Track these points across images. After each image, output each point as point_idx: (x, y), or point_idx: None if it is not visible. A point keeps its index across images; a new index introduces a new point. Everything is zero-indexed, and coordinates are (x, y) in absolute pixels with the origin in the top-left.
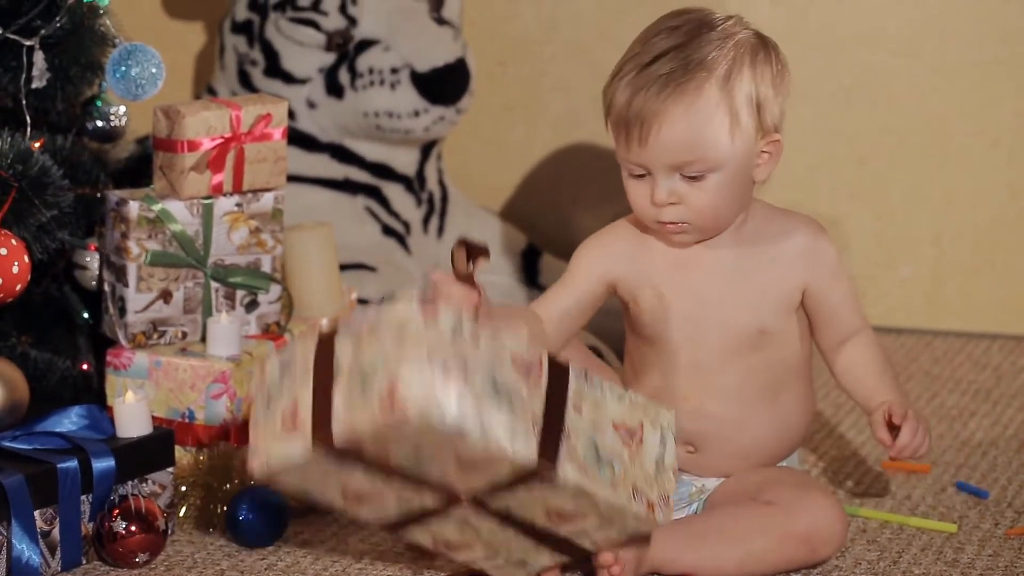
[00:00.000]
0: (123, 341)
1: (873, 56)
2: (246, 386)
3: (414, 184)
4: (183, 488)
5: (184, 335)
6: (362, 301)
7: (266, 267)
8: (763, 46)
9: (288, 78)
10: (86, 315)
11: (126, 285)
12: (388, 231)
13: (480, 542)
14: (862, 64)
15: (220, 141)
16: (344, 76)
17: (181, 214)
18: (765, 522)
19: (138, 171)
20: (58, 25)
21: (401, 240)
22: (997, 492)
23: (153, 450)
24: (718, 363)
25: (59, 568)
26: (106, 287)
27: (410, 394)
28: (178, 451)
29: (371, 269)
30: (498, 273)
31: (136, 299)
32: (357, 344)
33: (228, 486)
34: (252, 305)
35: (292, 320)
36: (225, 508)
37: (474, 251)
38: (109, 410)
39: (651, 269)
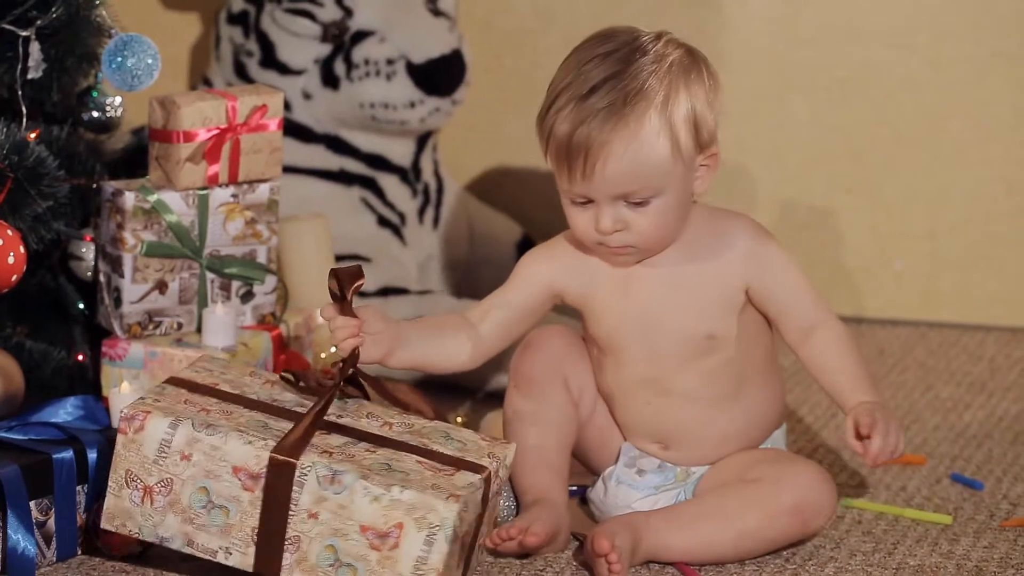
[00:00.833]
0: (119, 332)
1: (868, 50)
2: None
3: (409, 175)
4: None
5: (180, 326)
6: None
7: (261, 258)
8: (694, 64)
9: (284, 69)
10: (82, 306)
11: (122, 276)
12: (383, 222)
13: None
14: (857, 58)
15: (216, 132)
16: (340, 67)
17: (177, 205)
18: (754, 499)
19: (134, 162)
20: (54, 15)
21: (396, 231)
22: (992, 484)
23: None
24: (673, 369)
25: (54, 558)
26: (102, 278)
27: (114, 514)
28: None
29: (366, 260)
30: (485, 265)
31: (132, 290)
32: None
33: None
34: (247, 296)
35: (287, 311)
36: None
37: (347, 279)
38: (104, 401)
39: (596, 283)
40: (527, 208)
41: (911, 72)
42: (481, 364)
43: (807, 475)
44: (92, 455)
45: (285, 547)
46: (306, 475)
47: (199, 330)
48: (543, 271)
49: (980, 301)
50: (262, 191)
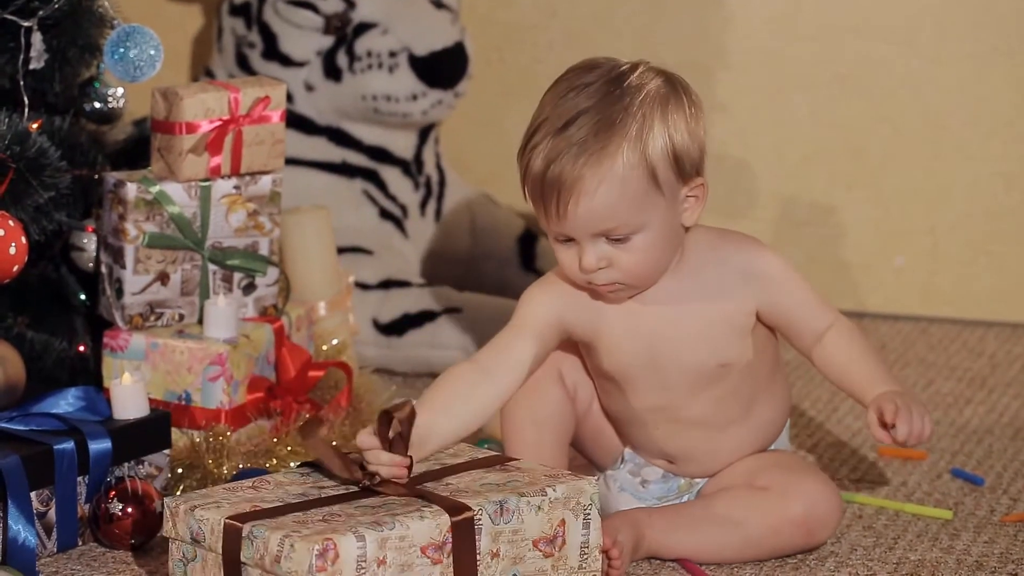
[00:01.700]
0: (120, 323)
1: (869, 46)
2: (243, 368)
3: (411, 168)
4: (179, 470)
5: (181, 317)
6: (359, 284)
7: (264, 250)
8: (673, 92)
9: (286, 61)
10: (83, 297)
11: (123, 267)
12: (385, 214)
13: None
14: (858, 54)
15: (218, 123)
16: (342, 59)
17: (179, 196)
18: (761, 507)
19: (136, 153)
20: (56, 6)
21: (398, 223)
22: (992, 479)
23: (149, 432)
24: (683, 399)
25: (55, 549)
26: (103, 269)
27: None
28: (174, 433)
29: (368, 252)
30: (487, 258)
31: (133, 281)
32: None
33: (224, 468)
34: (249, 288)
35: (289, 303)
36: None
37: (396, 416)
38: (106, 392)
39: (601, 318)
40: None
41: (911, 69)
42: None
43: (815, 486)
44: (93, 446)
45: None
46: (480, 519)
47: (201, 322)
48: (549, 311)
49: (980, 297)
50: (264, 183)
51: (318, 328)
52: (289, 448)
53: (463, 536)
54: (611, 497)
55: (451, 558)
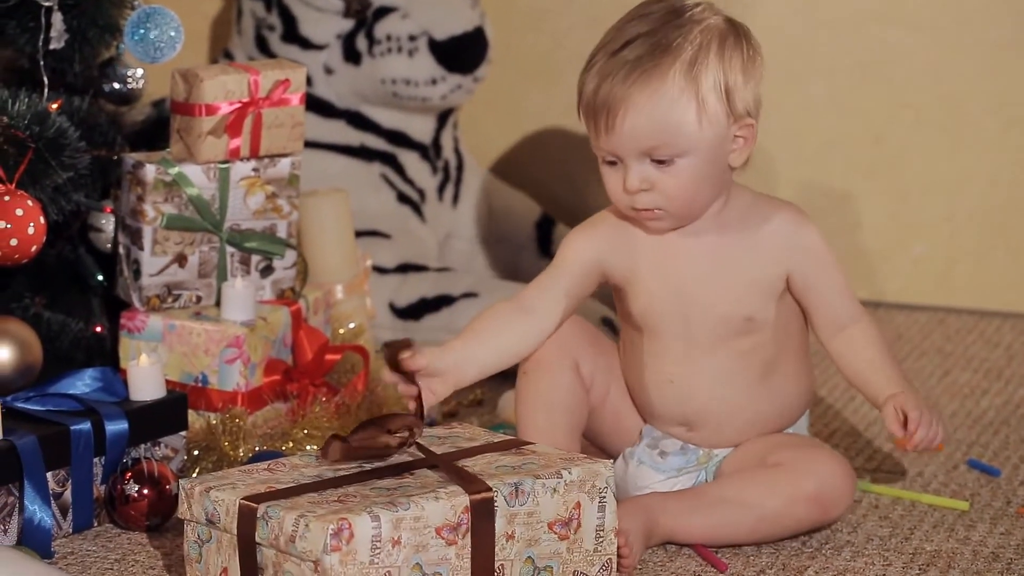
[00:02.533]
0: (137, 304)
1: (890, 33)
2: (260, 351)
3: (430, 152)
4: (196, 452)
5: (199, 299)
6: (377, 268)
7: (282, 232)
8: (733, 32)
9: (305, 44)
10: (100, 277)
11: (141, 248)
12: (403, 198)
13: None
14: (878, 41)
15: (238, 105)
16: (362, 43)
17: (198, 178)
18: (774, 485)
19: (154, 134)
20: None
21: (416, 208)
22: (1009, 470)
23: (166, 414)
24: (706, 348)
25: (71, 530)
26: (121, 250)
27: None
28: (191, 415)
29: (386, 236)
30: (504, 242)
31: (151, 262)
32: (277, 556)
33: (241, 451)
34: (267, 270)
35: (307, 286)
36: None
37: (398, 349)
38: (122, 373)
39: (637, 259)
40: (547, 186)
41: (932, 56)
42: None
43: (828, 463)
44: (109, 427)
45: None
46: (495, 502)
47: (218, 304)
48: (588, 249)
49: (998, 287)
50: (283, 165)
51: (335, 311)
52: (305, 431)
53: (483, 517)
54: (629, 473)
55: (465, 539)
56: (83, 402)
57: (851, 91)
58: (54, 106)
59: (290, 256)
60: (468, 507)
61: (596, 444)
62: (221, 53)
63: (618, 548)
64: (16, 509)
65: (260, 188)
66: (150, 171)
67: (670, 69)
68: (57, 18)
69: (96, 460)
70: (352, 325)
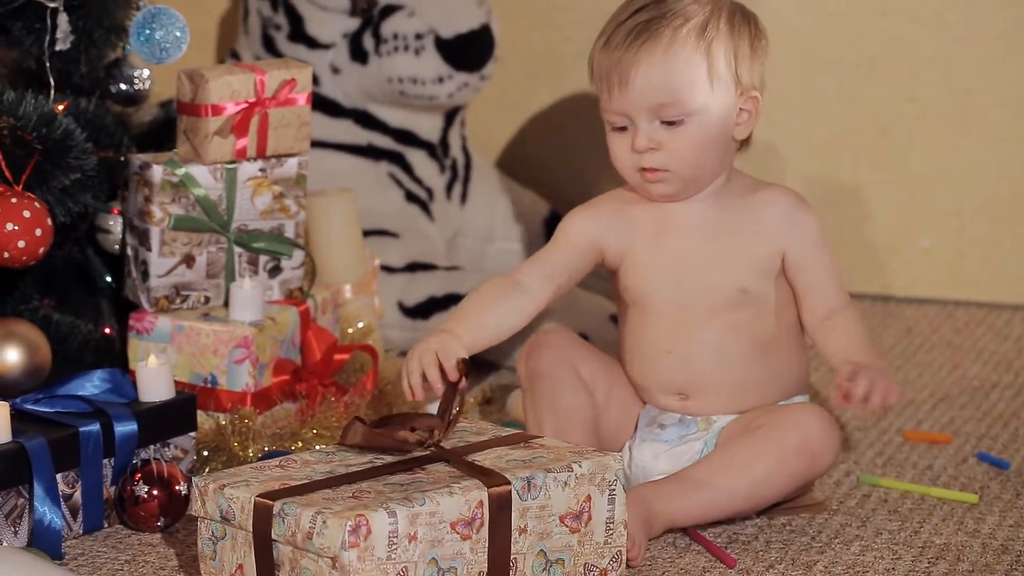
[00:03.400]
0: (146, 305)
1: (897, 26)
2: (269, 351)
3: (437, 150)
4: (205, 453)
5: (207, 300)
6: (385, 267)
7: (289, 232)
8: (741, 11)
9: (312, 43)
10: (109, 279)
11: (149, 249)
12: (411, 197)
13: None
14: (885, 34)
15: (244, 106)
16: (368, 41)
17: (205, 179)
18: (760, 446)
19: (161, 135)
20: None
21: (424, 206)
22: (1018, 462)
23: (175, 415)
24: (702, 319)
25: (81, 531)
26: (129, 251)
27: None
28: (200, 416)
29: (394, 235)
30: (520, 240)
31: (159, 263)
32: (294, 553)
33: (250, 451)
34: (275, 270)
35: (315, 286)
36: None
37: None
38: (131, 374)
39: (634, 233)
40: (555, 184)
41: (938, 48)
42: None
43: (809, 414)
44: (119, 428)
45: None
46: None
47: (226, 304)
48: (587, 227)
49: (1007, 280)
50: (290, 165)
51: (344, 311)
52: (314, 431)
53: (501, 510)
54: (633, 458)
55: (479, 533)
56: (92, 403)
57: (858, 84)
58: (60, 107)
59: (298, 256)
60: (482, 502)
61: (606, 446)
62: (228, 53)
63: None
64: (26, 511)
65: (267, 188)
66: (157, 172)
67: (683, 29)
68: (63, 19)
69: (106, 461)
70: (361, 324)
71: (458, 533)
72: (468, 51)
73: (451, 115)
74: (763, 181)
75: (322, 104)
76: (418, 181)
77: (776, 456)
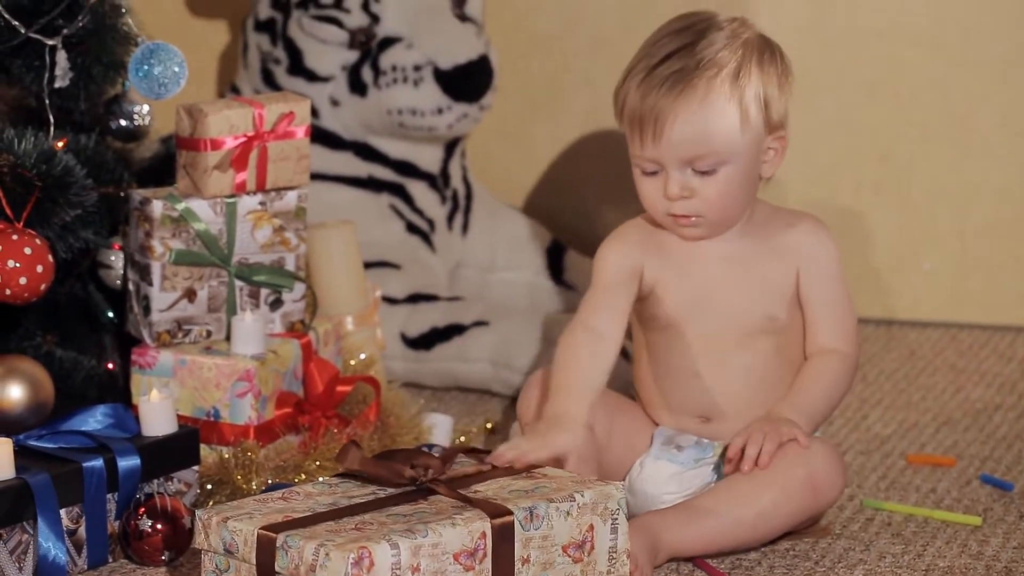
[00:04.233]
0: (148, 340)
1: (896, 50)
2: (271, 384)
3: (438, 181)
4: (208, 486)
5: (209, 334)
6: (387, 299)
7: (290, 265)
8: (768, 47)
9: (311, 76)
10: (111, 314)
11: (150, 284)
12: (412, 229)
13: None
14: (885, 58)
15: (243, 139)
16: (367, 74)
17: (205, 213)
18: (765, 477)
19: (162, 170)
20: (80, 24)
21: (425, 238)
22: (1022, 485)
23: (178, 449)
24: (730, 346)
25: (85, 566)
26: (130, 286)
27: None
28: (203, 449)
29: (395, 267)
30: (522, 270)
31: (160, 298)
32: None
33: (253, 484)
34: (276, 303)
35: (316, 318)
36: None
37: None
38: (134, 409)
39: (664, 262)
40: (557, 213)
41: (938, 72)
42: None
43: (815, 448)
44: (122, 463)
45: None
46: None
47: (228, 338)
48: (624, 257)
49: (1010, 302)
50: (290, 198)
51: (346, 343)
52: (317, 463)
53: (503, 540)
54: (645, 472)
55: (482, 564)
56: (95, 439)
57: (858, 108)
58: (60, 144)
59: (299, 289)
60: (485, 532)
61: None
62: (228, 87)
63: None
64: (31, 546)
65: (267, 221)
66: (157, 207)
67: (716, 79)
68: (62, 56)
69: (109, 496)
70: (363, 356)
71: (461, 564)
72: (467, 82)
73: (451, 146)
74: (783, 208)
75: (322, 137)
76: (419, 212)
77: (782, 488)
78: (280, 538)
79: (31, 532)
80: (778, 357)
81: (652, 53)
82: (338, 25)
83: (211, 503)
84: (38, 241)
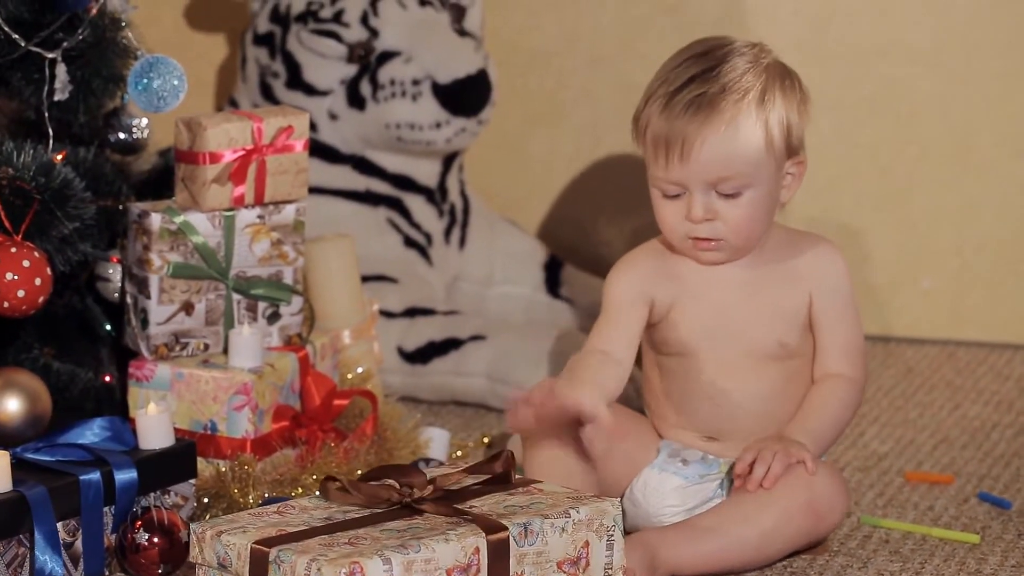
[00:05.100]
0: (145, 353)
1: (895, 67)
2: (268, 397)
3: (436, 196)
4: (205, 499)
5: (206, 347)
6: (384, 312)
7: (288, 279)
8: (788, 74)
9: (310, 90)
10: (108, 327)
11: (148, 297)
12: (410, 243)
13: None
14: (884, 75)
15: (242, 153)
16: (366, 88)
17: (203, 226)
18: (767, 499)
19: (160, 183)
20: (80, 38)
21: (423, 252)
22: (1020, 502)
23: (175, 462)
24: (745, 371)
25: None
26: (128, 299)
27: None
28: (200, 463)
29: (393, 280)
30: (519, 285)
31: (158, 311)
32: None
33: (250, 498)
34: (274, 317)
35: (314, 331)
36: None
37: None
38: (131, 422)
39: (678, 289)
40: (554, 228)
41: (937, 89)
42: None
43: (819, 472)
44: (119, 476)
45: None
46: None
47: (226, 351)
48: (634, 284)
49: (1008, 319)
50: (288, 212)
51: (343, 356)
52: (315, 477)
53: (499, 556)
54: (649, 485)
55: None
56: (92, 452)
57: (858, 125)
58: (59, 157)
59: (297, 302)
60: (478, 548)
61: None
62: (227, 100)
63: None
64: (27, 559)
65: (265, 235)
66: (155, 220)
67: (743, 102)
68: (61, 69)
69: (106, 509)
70: (360, 370)
71: None
72: (465, 96)
73: (449, 160)
74: (797, 231)
75: (320, 150)
76: (416, 226)
77: (784, 511)
78: (273, 552)
79: (28, 545)
80: (789, 383)
81: (672, 79)
82: (337, 39)
83: (208, 517)
84: (36, 254)
